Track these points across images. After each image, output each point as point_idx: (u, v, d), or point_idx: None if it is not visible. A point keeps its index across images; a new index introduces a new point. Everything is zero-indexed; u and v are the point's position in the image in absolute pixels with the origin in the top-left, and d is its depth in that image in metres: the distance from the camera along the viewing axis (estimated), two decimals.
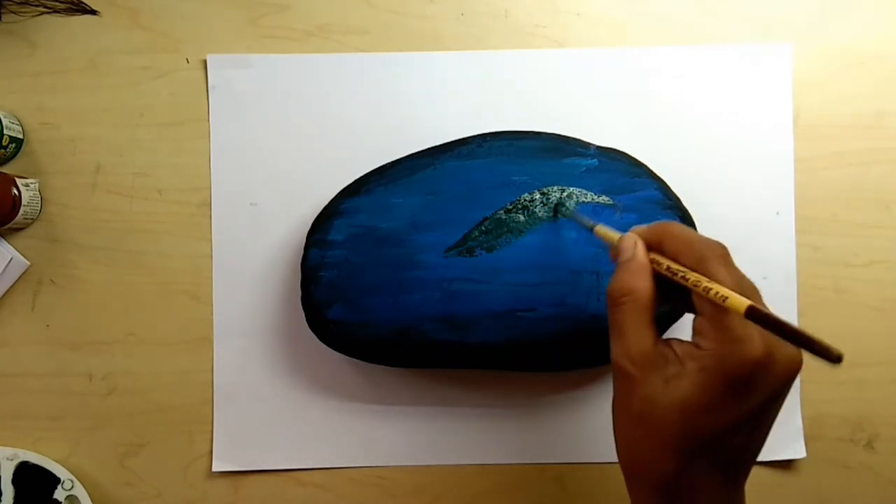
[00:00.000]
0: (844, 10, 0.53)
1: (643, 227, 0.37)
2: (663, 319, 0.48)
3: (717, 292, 0.31)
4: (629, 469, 0.35)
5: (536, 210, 0.47)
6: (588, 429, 0.52)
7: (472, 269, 0.47)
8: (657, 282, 0.35)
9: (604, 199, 0.47)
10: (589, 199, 0.47)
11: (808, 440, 0.52)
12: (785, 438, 0.52)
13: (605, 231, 0.40)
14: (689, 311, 0.36)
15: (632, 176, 0.48)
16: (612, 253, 0.37)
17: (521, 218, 0.47)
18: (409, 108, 0.52)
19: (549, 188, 0.47)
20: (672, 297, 0.36)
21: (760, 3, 0.53)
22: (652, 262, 0.35)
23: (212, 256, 0.52)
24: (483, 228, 0.47)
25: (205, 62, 0.53)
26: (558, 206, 0.46)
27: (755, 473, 0.53)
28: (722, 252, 0.34)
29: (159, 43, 0.53)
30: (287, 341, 0.52)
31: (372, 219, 0.48)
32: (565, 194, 0.47)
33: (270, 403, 0.52)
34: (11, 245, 0.52)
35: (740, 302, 0.30)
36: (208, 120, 0.52)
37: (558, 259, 0.47)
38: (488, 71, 0.53)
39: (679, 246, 0.34)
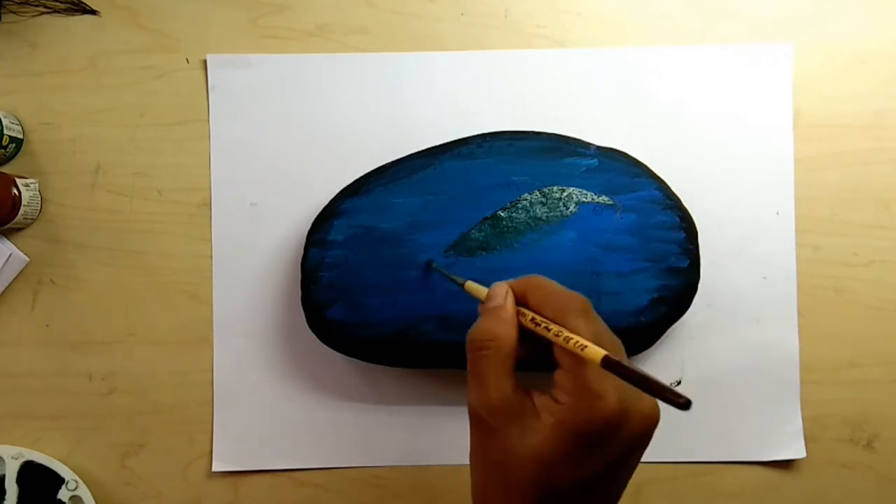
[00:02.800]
0: (844, 10, 0.53)
1: (510, 280, 0.37)
2: (660, 327, 0.48)
3: (577, 342, 0.31)
4: None
5: (536, 210, 0.47)
6: None
7: (473, 269, 0.47)
8: (520, 334, 0.35)
9: (604, 199, 0.47)
10: (589, 199, 0.47)
11: (808, 440, 0.52)
12: (785, 438, 0.52)
13: (475, 287, 0.40)
14: (548, 367, 0.35)
15: (632, 176, 0.48)
16: (480, 307, 0.37)
17: (521, 218, 0.47)
18: (409, 108, 0.52)
19: (549, 188, 0.47)
20: (533, 351, 0.36)
21: (760, 3, 0.53)
22: (518, 313, 0.35)
23: (212, 256, 0.52)
24: (482, 228, 0.47)
25: (205, 62, 0.53)
26: (427, 264, 0.47)
27: (755, 473, 0.54)
28: (582, 305, 0.34)
29: (159, 43, 0.53)
30: (287, 341, 0.52)
31: (372, 219, 0.48)
32: (565, 194, 0.47)
33: (270, 403, 0.52)
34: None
35: (596, 352, 0.30)
36: (208, 120, 0.52)
37: (558, 259, 0.47)
38: (488, 71, 0.53)
39: (542, 298, 0.35)
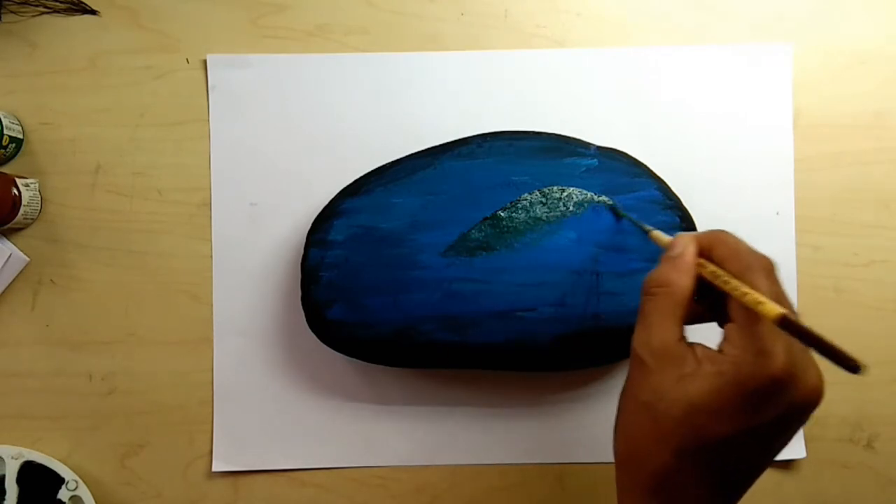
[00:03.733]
0: (844, 10, 0.53)
1: (697, 232, 0.37)
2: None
3: (754, 297, 0.31)
4: (623, 461, 0.35)
5: (536, 210, 0.47)
6: (588, 429, 0.52)
7: (473, 269, 0.47)
8: (700, 289, 0.35)
9: (604, 199, 0.47)
10: (589, 199, 0.47)
11: (808, 440, 0.52)
12: None
13: (660, 235, 0.41)
14: (720, 322, 0.36)
15: (632, 176, 0.48)
16: (661, 255, 0.37)
17: (521, 218, 0.47)
18: (409, 108, 0.52)
19: (549, 188, 0.47)
20: (708, 304, 0.36)
21: (760, 3, 0.53)
22: (697, 264, 0.35)
23: (212, 256, 0.52)
24: (482, 228, 0.47)
25: (205, 62, 0.53)
26: (614, 209, 0.47)
27: None
28: (767, 265, 0.34)
29: (159, 43, 0.53)
30: (287, 341, 0.52)
31: (372, 219, 0.48)
32: (565, 194, 0.47)
33: (270, 403, 0.52)
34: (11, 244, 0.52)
35: (773, 309, 0.29)
36: (208, 120, 0.52)
37: (558, 259, 0.47)
38: (488, 71, 0.53)
39: (727, 253, 0.34)
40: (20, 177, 0.51)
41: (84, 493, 0.50)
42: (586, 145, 0.49)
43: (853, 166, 0.53)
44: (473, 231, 0.47)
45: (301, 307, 0.48)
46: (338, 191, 0.49)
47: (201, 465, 0.52)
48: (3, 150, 0.50)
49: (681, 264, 0.35)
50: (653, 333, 0.34)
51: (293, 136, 0.52)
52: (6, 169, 0.52)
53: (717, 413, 0.31)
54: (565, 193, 0.47)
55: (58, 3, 0.52)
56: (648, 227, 0.43)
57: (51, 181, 0.52)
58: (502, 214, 0.47)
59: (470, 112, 0.52)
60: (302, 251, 0.48)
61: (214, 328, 0.52)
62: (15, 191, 0.49)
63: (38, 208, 0.52)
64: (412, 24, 0.53)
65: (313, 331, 0.48)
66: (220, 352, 0.52)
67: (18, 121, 0.52)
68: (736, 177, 0.52)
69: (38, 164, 0.52)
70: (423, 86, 0.52)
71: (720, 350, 0.33)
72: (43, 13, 0.53)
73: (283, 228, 0.52)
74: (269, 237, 0.52)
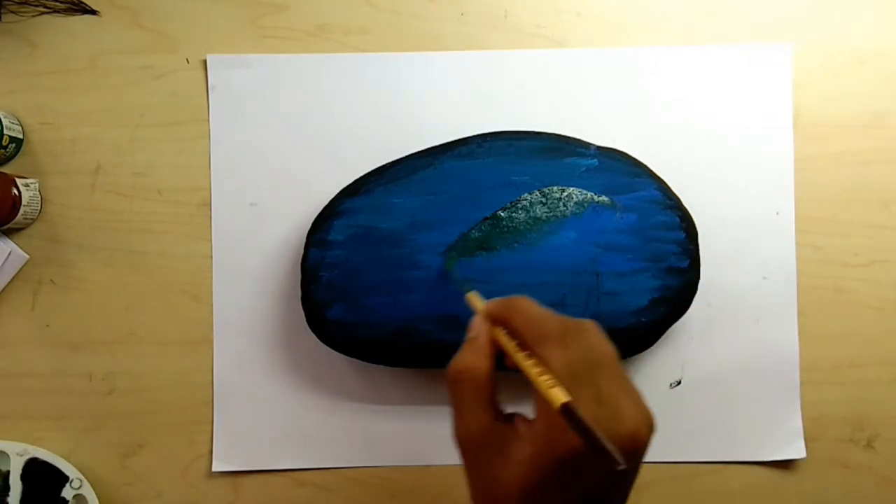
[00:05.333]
0: (844, 10, 0.53)
1: (496, 300, 0.37)
2: (660, 327, 0.48)
3: (546, 379, 0.31)
4: None
5: (536, 210, 0.47)
6: None
7: (473, 269, 0.47)
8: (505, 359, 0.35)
9: (604, 199, 0.47)
10: (589, 199, 0.47)
11: (808, 440, 0.52)
12: (785, 438, 0.52)
13: (473, 301, 0.40)
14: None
15: (632, 176, 0.48)
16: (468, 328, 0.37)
17: (521, 218, 0.47)
18: (409, 108, 0.52)
19: (549, 188, 0.47)
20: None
21: (760, 3, 0.53)
22: (500, 340, 0.35)
23: (212, 256, 0.52)
24: (482, 228, 0.47)
25: (205, 62, 0.53)
26: (446, 262, 0.47)
27: (755, 473, 0.54)
28: (559, 331, 0.33)
29: (159, 43, 0.53)
30: (287, 341, 0.52)
31: (372, 219, 0.48)
32: (565, 194, 0.47)
33: (270, 403, 0.52)
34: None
35: (557, 397, 0.30)
36: (208, 120, 0.52)
37: (558, 259, 0.47)
38: (488, 71, 0.53)
39: (521, 323, 0.35)
40: (20, 177, 0.51)
41: (87, 491, 0.50)
42: (586, 145, 0.49)
43: (853, 166, 0.53)
44: (473, 231, 0.47)
45: (301, 307, 0.48)
46: (338, 191, 0.49)
47: (201, 465, 0.52)
48: (3, 150, 0.50)
49: (477, 346, 0.35)
50: (469, 423, 0.34)
51: (293, 136, 0.52)
52: (6, 169, 0.52)
53: (546, 490, 0.31)
54: (565, 193, 0.47)
55: (58, 3, 0.52)
56: (466, 289, 0.41)
57: (51, 181, 0.52)
58: (502, 214, 0.47)
59: (470, 112, 0.52)
60: (302, 251, 0.48)
61: (214, 328, 0.52)
62: (15, 191, 0.49)
63: (38, 208, 0.52)
64: (412, 24, 0.53)
65: (313, 331, 0.48)
66: (220, 352, 0.52)
67: (18, 121, 0.52)
68: (736, 177, 0.52)
69: (38, 164, 0.52)
70: (423, 86, 0.52)
71: (532, 424, 0.33)
72: (43, 13, 0.53)
73: (283, 228, 0.52)
74: (269, 237, 0.52)
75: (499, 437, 0.33)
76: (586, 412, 0.30)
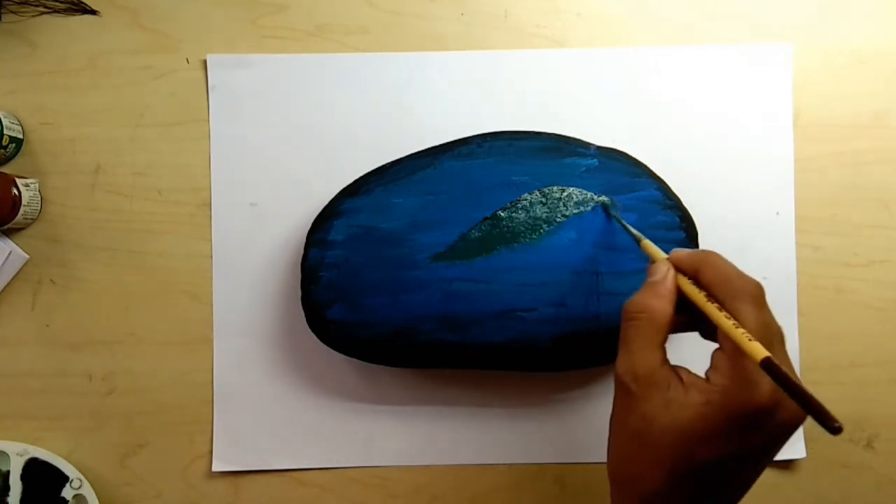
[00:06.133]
0: (844, 10, 0.53)
1: (685, 251, 0.37)
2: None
3: (743, 333, 0.31)
4: (617, 480, 0.36)
5: (536, 210, 0.47)
6: (588, 429, 0.52)
7: (473, 269, 0.47)
8: (687, 307, 0.35)
9: (604, 199, 0.47)
10: (589, 199, 0.47)
11: (808, 440, 0.52)
12: None
13: (650, 246, 0.41)
14: (702, 333, 0.37)
15: (632, 176, 0.48)
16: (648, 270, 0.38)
17: (521, 218, 0.47)
18: (409, 108, 0.52)
19: (549, 188, 0.47)
20: (689, 316, 0.36)
21: (760, 3, 0.53)
22: (685, 289, 0.35)
23: (212, 256, 0.52)
24: (482, 228, 0.47)
25: (205, 62, 0.53)
26: (607, 209, 0.47)
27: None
28: (756, 291, 0.34)
29: (159, 43, 0.53)
30: (287, 341, 0.52)
31: (372, 219, 0.48)
32: (565, 194, 0.47)
33: (270, 403, 0.52)
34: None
35: (759, 350, 0.30)
36: (208, 120, 0.52)
37: (558, 259, 0.47)
38: (488, 71, 0.53)
39: (714, 278, 0.35)
40: (20, 177, 0.51)
41: (87, 491, 0.50)
42: (586, 145, 0.49)
43: (853, 166, 0.53)
44: (473, 231, 0.47)
45: (301, 307, 0.48)
46: (338, 191, 0.49)
47: (201, 465, 0.52)
48: (3, 150, 0.50)
49: (661, 290, 0.35)
50: (636, 360, 0.34)
51: (293, 136, 0.52)
52: (6, 169, 0.52)
53: (707, 440, 0.32)
54: (565, 193, 0.47)
55: (58, 3, 0.52)
56: (640, 236, 0.42)
57: (51, 181, 0.52)
58: (502, 214, 0.47)
59: (470, 112, 0.52)
60: (302, 251, 0.48)
61: (214, 328, 0.52)
62: (15, 191, 0.49)
63: (38, 208, 0.52)
64: (412, 24, 0.53)
65: (313, 331, 0.48)
66: (220, 352, 0.52)
67: (18, 121, 0.52)
68: (736, 177, 0.52)
69: (38, 164, 0.52)
70: (423, 86, 0.52)
71: (707, 377, 0.33)
72: (43, 13, 0.53)
73: (283, 228, 0.52)
74: (269, 237, 0.52)
75: (665, 380, 0.34)
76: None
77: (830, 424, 0.26)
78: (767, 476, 0.52)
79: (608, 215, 0.47)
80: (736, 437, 0.32)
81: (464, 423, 0.52)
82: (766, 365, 0.29)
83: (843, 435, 0.52)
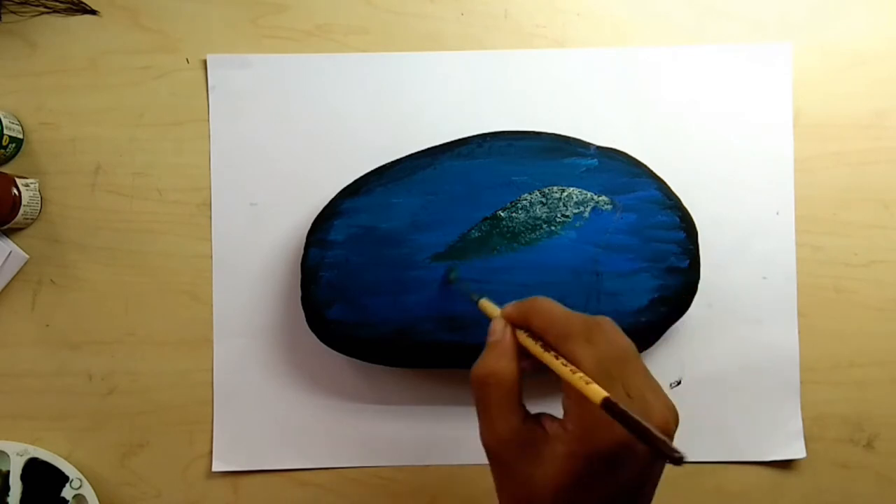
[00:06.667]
0: (844, 10, 0.53)
1: (514, 304, 0.37)
2: (660, 327, 0.48)
3: (581, 377, 0.31)
4: None
5: (536, 210, 0.47)
6: None
7: (472, 269, 0.47)
8: (531, 357, 0.35)
9: (603, 199, 0.47)
10: (589, 199, 0.47)
11: (808, 440, 0.52)
12: (785, 438, 0.52)
13: (486, 307, 0.40)
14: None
15: (632, 176, 0.48)
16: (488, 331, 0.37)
17: (521, 218, 0.47)
18: (409, 108, 0.52)
19: (549, 188, 0.47)
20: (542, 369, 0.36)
21: (760, 3, 0.53)
22: (522, 342, 0.35)
23: (212, 256, 0.52)
24: (482, 228, 0.47)
25: (205, 62, 0.53)
26: (448, 272, 0.46)
27: (755, 473, 0.54)
28: (585, 329, 0.33)
29: (159, 43, 0.53)
30: (287, 341, 0.52)
31: (372, 219, 0.48)
32: (565, 194, 0.47)
33: (270, 403, 0.52)
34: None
35: (597, 393, 0.30)
36: (208, 120, 0.52)
37: (558, 259, 0.47)
38: (488, 71, 0.53)
39: (543, 324, 0.35)
40: (20, 177, 0.51)
41: (87, 491, 0.50)
42: (586, 145, 0.49)
43: (853, 166, 0.53)
44: (473, 231, 0.47)
45: (301, 307, 0.48)
46: (338, 191, 0.49)
47: (201, 465, 0.52)
48: (3, 150, 0.50)
49: (501, 350, 0.35)
50: (497, 427, 0.34)
51: (293, 136, 0.52)
52: (6, 169, 0.52)
53: (581, 488, 0.32)
54: (565, 193, 0.47)
55: (58, 3, 0.52)
56: (476, 297, 0.41)
57: (51, 181, 0.52)
58: (502, 214, 0.47)
59: (470, 112, 0.52)
60: (302, 251, 0.48)
61: (214, 328, 0.52)
62: (15, 191, 0.49)
63: (38, 208, 0.52)
64: (412, 24, 0.53)
65: (313, 331, 0.48)
66: (220, 352, 0.52)
67: (18, 121, 0.52)
68: (736, 177, 0.52)
69: (38, 164, 0.52)
70: (423, 86, 0.52)
71: (563, 423, 0.33)
72: (43, 13, 0.53)
73: (283, 228, 0.52)
74: (269, 237, 0.52)
75: (529, 438, 0.33)
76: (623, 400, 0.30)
77: (671, 454, 0.26)
78: (767, 476, 0.52)
79: (447, 281, 0.46)
80: (607, 478, 0.31)
81: (464, 423, 0.52)
82: (606, 406, 0.29)
83: (843, 435, 0.52)
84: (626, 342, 0.34)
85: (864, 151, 0.53)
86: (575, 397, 0.32)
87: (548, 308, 0.35)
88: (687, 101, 0.52)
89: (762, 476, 0.52)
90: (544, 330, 0.34)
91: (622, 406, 0.28)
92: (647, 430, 0.27)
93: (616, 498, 0.32)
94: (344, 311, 0.47)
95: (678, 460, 0.26)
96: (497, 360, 0.35)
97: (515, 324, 0.36)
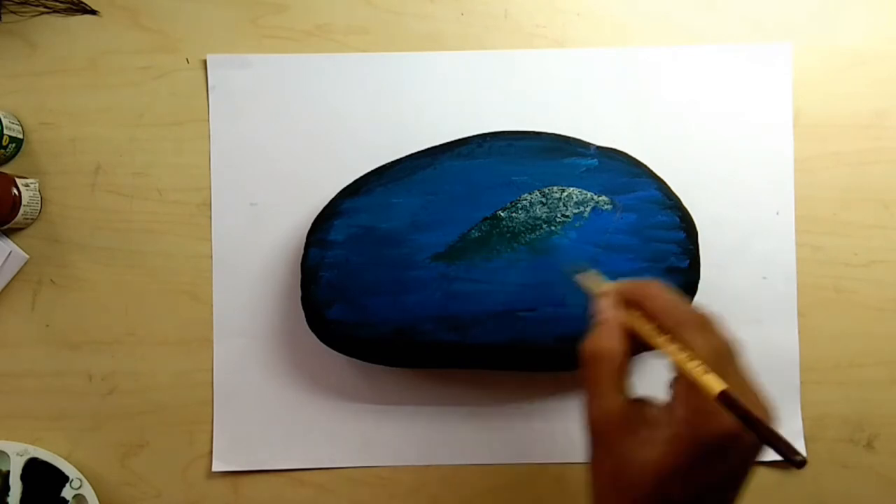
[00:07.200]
0: (844, 10, 0.53)
1: (625, 283, 0.37)
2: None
3: (697, 365, 0.31)
4: None
5: (536, 210, 0.47)
6: None
7: (472, 269, 0.47)
8: (636, 337, 0.35)
9: (603, 199, 0.47)
10: (589, 199, 0.47)
11: (808, 440, 0.52)
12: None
13: (591, 281, 0.40)
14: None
15: (632, 176, 0.48)
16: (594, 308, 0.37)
17: (521, 218, 0.47)
18: (409, 108, 0.52)
19: (549, 188, 0.47)
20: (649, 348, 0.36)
21: (760, 3, 0.53)
22: (632, 323, 0.35)
23: (212, 256, 0.52)
24: (482, 228, 0.47)
25: (205, 62, 0.53)
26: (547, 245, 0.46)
27: (755, 473, 0.53)
28: (700, 320, 0.34)
29: (159, 43, 0.53)
30: (287, 341, 0.52)
31: (372, 219, 0.48)
32: (565, 194, 0.47)
33: (270, 403, 0.52)
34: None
35: (714, 385, 0.30)
36: (208, 120, 0.52)
37: (558, 259, 0.47)
38: (488, 71, 0.53)
39: (657, 308, 0.35)
40: (20, 177, 0.51)
41: (87, 491, 0.50)
42: (586, 145, 0.49)
43: (853, 166, 0.53)
44: (473, 231, 0.47)
45: (301, 307, 0.48)
46: (338, 191, 0.49)
47: (201, 465, 0.52)
48: (3, 150, 0.50)
49: (611, 328, 0.35)
50: (601, 405, 0.34)
51: (293, 136, 0.52)
52: (6, 169, 0.52)
53: (682, 473, 0.32)
54: (565, 193, 0.47)
55: (58, 3, 0.52)
56: (576, 269, 0.41)
57: (51, 181, 0.52)
58: (502, 214, 0.47)
59: (470, 112, 0.52)
60: (302, 251, 0.48)
61: (214, 328, 0.52)
62: (15, 191, 0.49)
63: (38, 208, 0.52)
64: (412, 24, 0.53)
65: (313, 331, 0.48)
66: (220, 352, 0.52)
67: (18, 121, 0.52)
68: (736, 177, 0.52)
69: (38, 164, 0.52)
70: (423, 86, 0.52)
71: (670, 409, 0.33)
72: (43, 13, 0.53)
73: (283, 228, 0.52)
74: (269, 237, 0.52)
75: (634, 418, 0.33)
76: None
77: (793, 457, 0.26)
78: (767, 476, 0.52)
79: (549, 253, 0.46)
80: (708, 467, 0.32)
81: (464, 423, 0.52)
82: (724, 399, 0.29)
83: (843, 435, 0.52)
84: (733, 338, 0.34)
85: (864, 151, 0.53)
86: (686, 383, 0.32)
87: (661, 292, 0.35)
88: (687, 101, 0.52)
89: (762, 476, 0.52)
90: (658, 313, 0.34)
91: (739, 400, 0.28)
92: (769, 429, 0.27)
93: (713, 487, 0.32)
94: (344, 311, 0.47)
95: (800, 463, 0.26)
96: (608, 337, 0.35)
97: (628, 303, 0.36)
